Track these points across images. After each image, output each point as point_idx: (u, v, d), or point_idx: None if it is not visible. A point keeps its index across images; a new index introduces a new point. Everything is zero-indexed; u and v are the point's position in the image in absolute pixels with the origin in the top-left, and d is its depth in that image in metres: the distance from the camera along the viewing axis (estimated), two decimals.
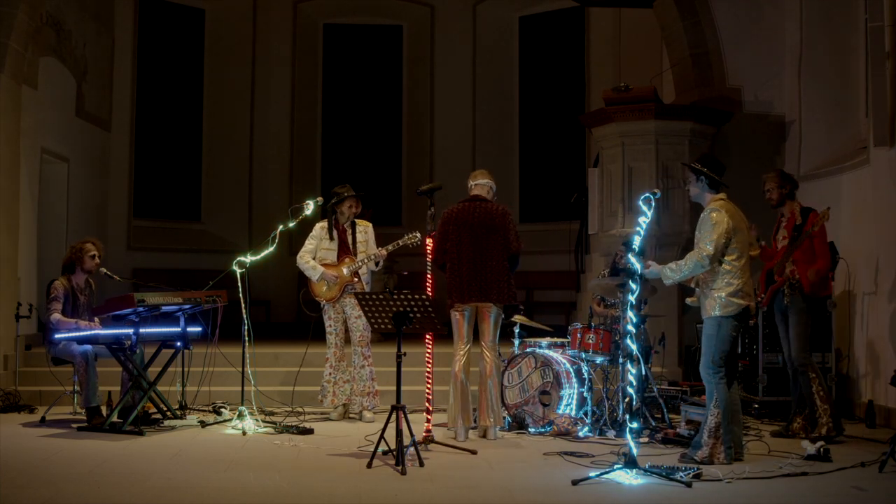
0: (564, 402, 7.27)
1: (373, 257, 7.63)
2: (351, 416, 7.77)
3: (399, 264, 11.25)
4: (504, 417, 7.32)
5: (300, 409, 7.78)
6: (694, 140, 9.16)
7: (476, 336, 7.03)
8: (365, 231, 7.82)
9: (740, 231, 6.01)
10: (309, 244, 7.79)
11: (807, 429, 6.86)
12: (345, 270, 7.63)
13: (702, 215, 6.07)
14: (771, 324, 7.99)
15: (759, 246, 6.84)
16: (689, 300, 6.28)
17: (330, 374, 7.72)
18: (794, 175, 8.07)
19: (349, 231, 7.77)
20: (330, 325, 7.74)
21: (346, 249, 7.73)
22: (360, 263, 7.63)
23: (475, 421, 7.01)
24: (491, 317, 6.88)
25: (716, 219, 5.94)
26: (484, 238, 6.81)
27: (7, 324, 8.84)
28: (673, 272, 6.10)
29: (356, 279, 7.65)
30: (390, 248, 7.55)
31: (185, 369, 7.70)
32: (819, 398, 6.84)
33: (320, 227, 7.80)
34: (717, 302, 5.95)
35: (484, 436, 6.84)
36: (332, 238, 7.73)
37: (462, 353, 6.93)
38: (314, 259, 7.71)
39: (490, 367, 6.87)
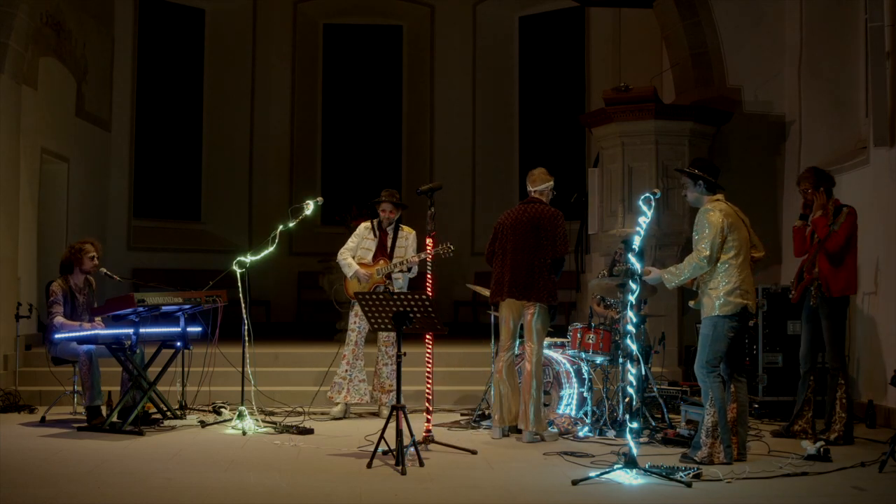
0: (564, 402, 7.27)
1: (405, 263, 7.68)
2: (351, 415, 7.78)
3: None
4: None
5: (300, 409, 7.78)
6: (694, 140, 9.17)
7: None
8: (406, 237, 7.89)
9: (737, 229, 6.00)
10: (351, 242, 7.88)
11: (807, 432, 6.85)
12: (377, 271, 7.67)
13: (697, 217, 6.08)
14: (771, 324, 8.01)
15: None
16: (691, 303, 6.27)
17: (346, 370, 7.72)
18: (795, 175, 8.05)
19: (391, 235, 7.84)
20: (354, 323, 7.76)
21: (383, 251, 7.81)
22: (393, 267, 7.69)
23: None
24: (533, 315, 6.89)
25: (710, 219, 5.95)
26: (529, 238, 6.90)
27: (7, 324, 8.84)
28: (673, 276, 6.11)
29: (387, 281, 7.69)
30: (422, 255, 7.55)
31: (185, 369, 7.69)
32: (840, 405, 6.80)
33: (365, 227, 7.90)
34: (715, 301, 5.95)
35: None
36: (374, 237, 7.83)
37: (504, 353, 6.97)
38: (353, 257, 7.78)
39: (528, 366, 6.87)
